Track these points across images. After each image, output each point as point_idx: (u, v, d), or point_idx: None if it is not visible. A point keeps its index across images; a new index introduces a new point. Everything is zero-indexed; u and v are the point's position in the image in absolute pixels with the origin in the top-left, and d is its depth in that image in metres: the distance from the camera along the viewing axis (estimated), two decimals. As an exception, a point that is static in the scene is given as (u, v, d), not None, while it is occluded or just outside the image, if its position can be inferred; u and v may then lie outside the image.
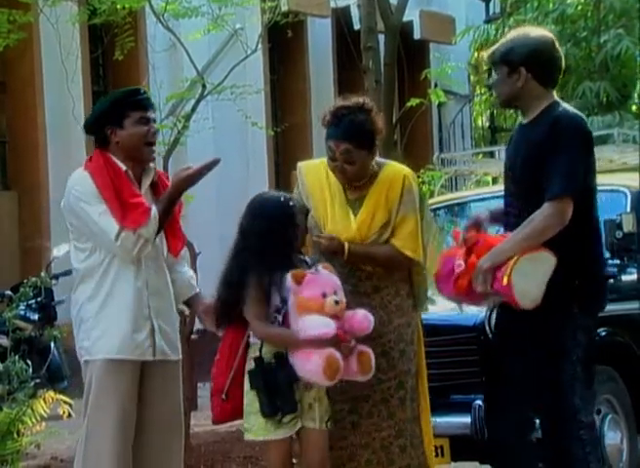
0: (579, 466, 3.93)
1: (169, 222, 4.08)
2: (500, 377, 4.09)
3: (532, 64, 3.97)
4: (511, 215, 4.00)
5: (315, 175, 4.17)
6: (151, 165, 4.12)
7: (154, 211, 3.95)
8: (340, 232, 4.03)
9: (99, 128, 4.06)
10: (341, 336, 3.79)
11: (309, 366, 3.76)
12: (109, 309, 4.02)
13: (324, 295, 3.83)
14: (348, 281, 4.04)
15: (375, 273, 4.08)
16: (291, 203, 3.98)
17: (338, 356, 3.75)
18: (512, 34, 4.13)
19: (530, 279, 3.80)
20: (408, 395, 4.08)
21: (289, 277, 3.86)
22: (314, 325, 3.78)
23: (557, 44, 4.08)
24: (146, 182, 4.08)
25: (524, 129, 4.05)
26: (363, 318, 3.85)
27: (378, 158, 4.14)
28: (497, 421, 4.07)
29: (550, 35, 4.14)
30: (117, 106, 4.02)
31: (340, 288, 3.87)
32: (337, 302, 3.81)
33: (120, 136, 4.01)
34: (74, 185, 4.03)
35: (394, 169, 4.16)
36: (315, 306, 3.81)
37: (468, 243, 3.95)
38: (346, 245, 3.99)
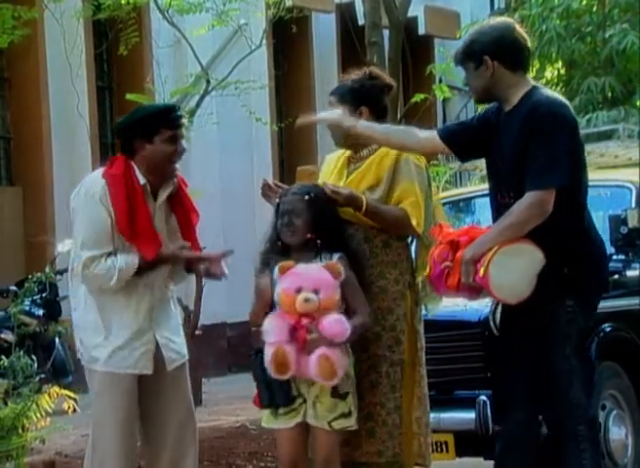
0: (572, 462, 3.88)
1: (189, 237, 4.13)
2: (504, 373, 4.07)
3: (496, 52, 3.90)
4: (503, 206, 3.91)
5: (330, 158, 4.29)
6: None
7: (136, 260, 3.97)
8: None
9: (128, 137, 4.04)
10: (300, 338, 3.75)
11: (266, 356, 3.79)
12: (110, 319, 4.03)
13: (298, 290, 3.77)
14: None
15: (359, 249, 4.06)
16: (294, 190, 3.99)
17: (287, 350, 3.74)
18: (471, 29, 4.09)
19: (509, 271, 3.73)
20: (383, 381, 4.03)
21: (276, 267, 3.86)
22: (269, 331, 3.79)
23: (519, 27, 3.99)
24: (163, 195, 4.06)
25: (506, 118, 3.96)
26: (332, 323, 3.77)
27: None
28: (503, 417, 4.06)
29: (510, 20, 4.07)
30: (151, 121, 3.99)
31: (331, 286, 3.79)
32: (307, 300, 3.74)
33: (147, 151, 3.99)
34: (89, 188, 4.02)
35: None
36: (287, 300, 3.78)
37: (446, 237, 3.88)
38: (364, 197, 4.00)
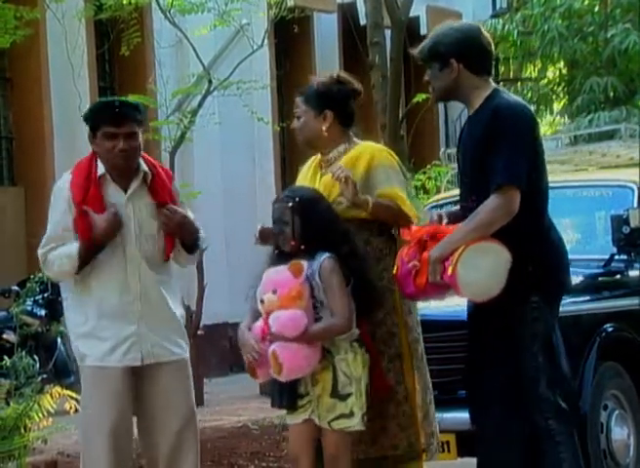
0: (549, 457, 3.90)
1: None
2: (476, 370, 4.05)
3: (461, 54, 3.92)
4: (466, 209, 3.95)
5: (304, 166, 4.30)
6: (143, 167, 4.10)
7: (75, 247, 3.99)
8: None
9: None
10: (265, 337, 3.87)
11: None
12: (92, 314, 4.06)
13: (262, 294, 3.92)
14: None
15: None
16: (282, 197, 4.03)
17: (249, 357, 3.91)
18: (437, 29, 4.07)
19: (476, 270, 3.76)
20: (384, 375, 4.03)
21: None
22: None
23: (484, 31, 4.03)
24: (133, 186, 4.08)
25: (469, 121, 4.02)
26: (275, 319, 3.84)
27: (355, 139, 4.20)
28: (478, 414, 4.05)
29: (476, 24, 4.11)
30: (92, 117, 4.09)
31: (288, 284, 3.85)
32: (261, 301, 3.89)
33: (94, 145, 4.09)
34: (57, 184, 4.14)
35: (365, 146, 4.19)
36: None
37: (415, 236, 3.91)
38: (369, 197, 4.01)
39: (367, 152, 4.11)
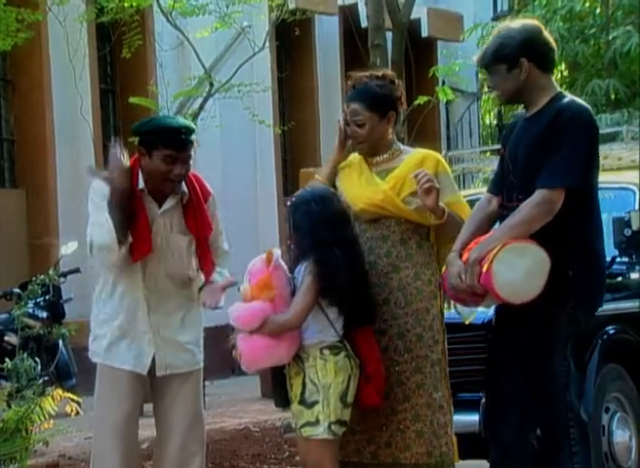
0: (564, 465, 3.88)
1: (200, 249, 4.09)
2: (500, 375, 4.04)
3: (530, 52, 3.92)
4: (511, 210, 3.90)
5: (343, 162, 4.28)
6: (182, 187, 4.07)
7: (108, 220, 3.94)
8: (369, 195, 4.10)
9: (139, 141, 4.05)
10: None
11: None
12: (106, 312, 4.10)
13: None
14: (367, 258, 4.09)
15: (394, 251, 4.10)
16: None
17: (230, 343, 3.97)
18: (496, 33, 4.05)
19: (513, 270, 3.70)
20: (428, 381, 4.06)
21: None
22: None
23: (543, 28, 4.03)
24: (168, 204, 4.07)
25: (527, 122, 3.96)
26: (229, 312, 3.90)
27: (406, 146, 4.26)
28: (496, 420, 4.03)
29: (535, 21, 4.09)
30: (152, 136, 3.99)
31: (257, 272, 3.90)
32: (239, 290, 3.97)
33: (145, 162, 4.02)
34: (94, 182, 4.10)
35: (426, 151, 4.24)
36: None
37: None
38: (445, 208, 4.03)
39: (433, 157, 4.15)
